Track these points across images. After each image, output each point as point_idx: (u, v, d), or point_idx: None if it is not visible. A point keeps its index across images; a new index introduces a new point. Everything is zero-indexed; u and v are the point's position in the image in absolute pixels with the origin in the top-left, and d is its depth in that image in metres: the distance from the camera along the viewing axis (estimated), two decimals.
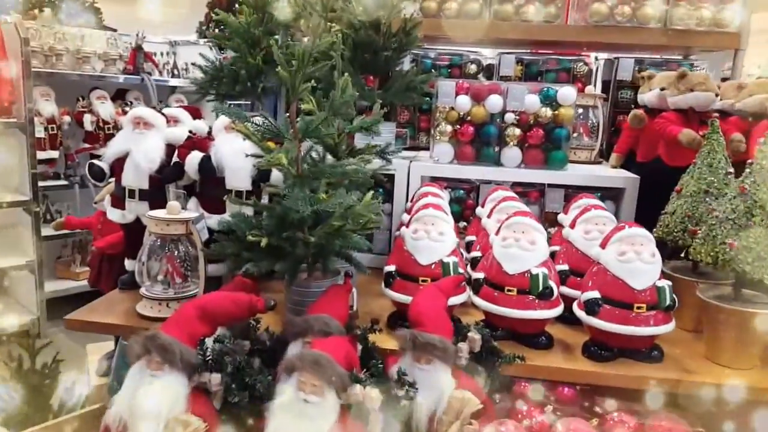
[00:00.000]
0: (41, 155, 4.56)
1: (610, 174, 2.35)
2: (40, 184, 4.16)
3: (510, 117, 2.32)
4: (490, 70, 2.97)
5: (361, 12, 2.36)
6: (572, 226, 1.97)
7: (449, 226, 1.77)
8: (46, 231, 4.38)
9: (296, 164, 1.71)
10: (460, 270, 1.73)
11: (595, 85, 2.96)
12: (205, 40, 5.66)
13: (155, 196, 1.99)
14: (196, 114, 2.31)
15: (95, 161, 1.99)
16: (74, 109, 5.02)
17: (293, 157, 1.72)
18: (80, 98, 5.01)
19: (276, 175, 2.01)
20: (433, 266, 1.73)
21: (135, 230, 2.03)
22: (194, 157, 1.95)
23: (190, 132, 2.14)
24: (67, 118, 4.84)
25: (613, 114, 2.88)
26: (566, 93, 2.28)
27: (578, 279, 1.81)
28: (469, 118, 2.37)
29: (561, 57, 2.84)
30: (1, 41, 4.00)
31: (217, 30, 6.58)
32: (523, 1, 2.80)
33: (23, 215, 4.40)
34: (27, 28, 4.02)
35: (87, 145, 5.00)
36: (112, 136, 4.71)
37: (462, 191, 2.44)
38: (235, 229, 1.68)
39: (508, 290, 1.69)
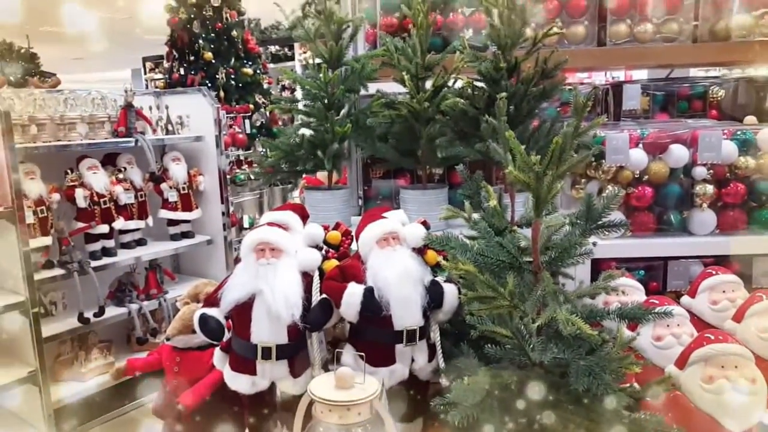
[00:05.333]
0: (32, 243, 3.81)
1: None
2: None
3: (701, 172, 1.86)
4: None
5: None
6: None
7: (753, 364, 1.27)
8: (46, 331, 3.66)
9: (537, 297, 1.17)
10: None
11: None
12: (194, 87, 5.02)
13: (298, 353, 1.41)
14: (303, 214, 1.72)
15: (207, 312, 1.39)
16: (63, 184, 4.26)
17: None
18: (68, 171, 4.26)
19: (451, 300, 1.47)
20: None
21: (264, 399, 1.44)
22: (354, 293, 1.38)
23: (322, 249, 1.56)
24: (56, 197, 4.10)
25: None
26: None
27: None
28: (646, 177, 1.89)
29: (695, 82, 2.40)
30: None
31: (182, 69, 5.91)
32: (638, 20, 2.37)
33: (19, 318, 3.65)
34: (4, 98, 3.31)
35: (81, 224, 4.27)
36: (109, 210, 4.05)
37: (642, 271, 1.95)
38: None
39: None
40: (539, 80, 1.90)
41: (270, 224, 1.53)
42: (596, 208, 1.19)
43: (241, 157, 5.57)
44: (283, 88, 9.00)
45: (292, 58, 9.34)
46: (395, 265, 1.43)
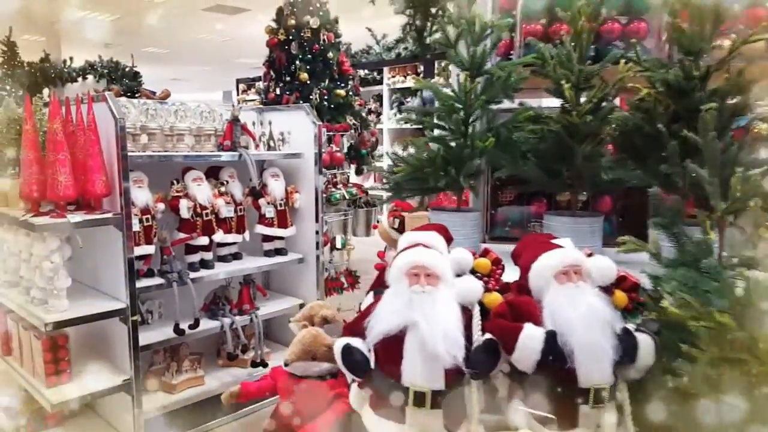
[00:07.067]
0: (136, 251, 3.82)
1: None
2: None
3: None
4: None
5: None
6: None
7: None
8: (141, 340, 3.63)
9: None
10: None
11: None
12: (290, 105, 4.98)
13: (454, 401, 1.18)
14: (447, 236, 1.50)
15: (352, 342, 1.18)
16: (168, 194, 4.27)
17: None
18: (174, 181, 4.28)
19: (646, 354, 1.18)
20: None
21: None
22: (533, 336, 1.12)
23: (475, 275, 1.33)
24: (161, 206, 4.11)
25: None
26: None
27: None
28: None
29: None
30: (93, 125, 3.32)
31: (278, 89, 5.95)
32: None
33: (118, 325, 3.64)
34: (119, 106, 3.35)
35: (183, 235, 4.26)
36: (210, 223, 4.04)
37: None
38: None
39: None
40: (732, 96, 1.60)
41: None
42: None
43: (332, 176, 5.49)
44: (370, 111, 9.06)
45: (380, 82, 9.48)
46: (580, 305, 1.16)
